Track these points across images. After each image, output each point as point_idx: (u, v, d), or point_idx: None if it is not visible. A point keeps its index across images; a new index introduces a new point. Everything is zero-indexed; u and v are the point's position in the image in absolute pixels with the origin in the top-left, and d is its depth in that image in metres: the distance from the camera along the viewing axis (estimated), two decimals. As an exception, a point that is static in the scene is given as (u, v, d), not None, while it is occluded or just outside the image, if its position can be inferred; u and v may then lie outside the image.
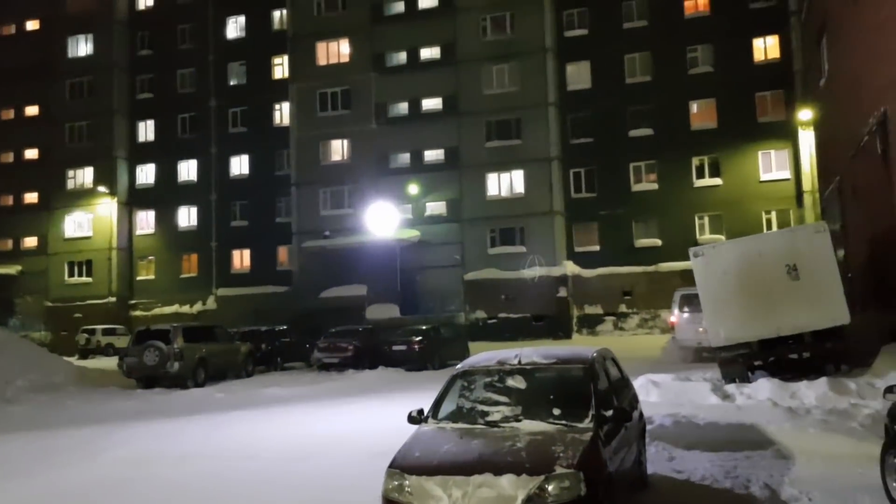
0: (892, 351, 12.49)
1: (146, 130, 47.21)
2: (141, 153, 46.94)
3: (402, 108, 40.14)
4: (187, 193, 45.68)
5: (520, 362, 7.14)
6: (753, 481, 8.11)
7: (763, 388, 12.20)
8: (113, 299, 45.56)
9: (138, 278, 46.66)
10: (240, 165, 45.21)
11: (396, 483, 5.83)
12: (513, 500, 5.39)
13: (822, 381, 12.04)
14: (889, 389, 6.87)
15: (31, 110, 48.38)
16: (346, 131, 40.82)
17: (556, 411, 6.45)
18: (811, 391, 11.71)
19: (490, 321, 36.78)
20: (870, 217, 15.47)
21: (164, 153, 46.14)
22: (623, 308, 36.78)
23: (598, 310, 37.07)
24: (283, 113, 44.14)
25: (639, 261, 36.33)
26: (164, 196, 45.87)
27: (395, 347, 24.38)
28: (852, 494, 7.34)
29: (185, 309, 44.05)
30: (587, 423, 6.25)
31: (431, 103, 39.57)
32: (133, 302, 46.15)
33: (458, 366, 7.60)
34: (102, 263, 46.11)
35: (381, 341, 25.50)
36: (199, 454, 10.52)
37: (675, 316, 21.89)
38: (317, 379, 22.07)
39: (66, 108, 46.96)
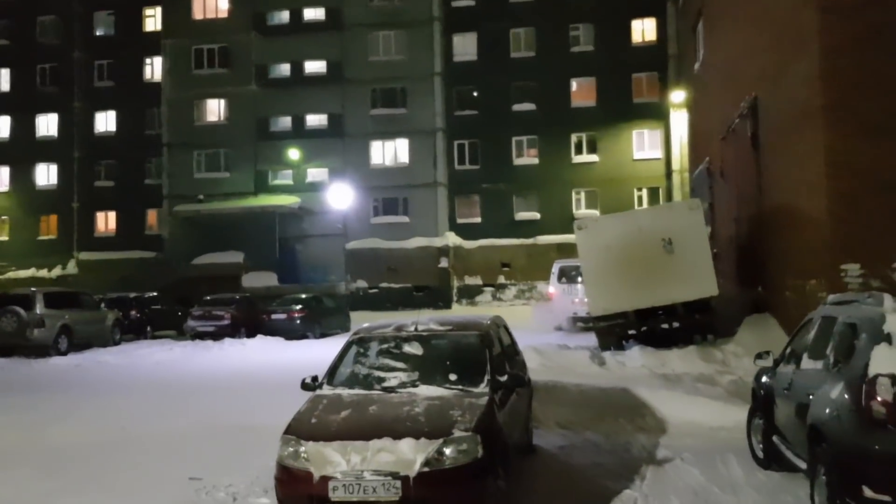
0: (753, 322, 13.42)
1: (0, 80, 43.52)
2: (-6, 104, 43.28)
3: (284, 70, 38.92)
4: (47, 150, 42.54)
5: (416, 329, 7.14)
6: (631, 442, 8.54)
7: (637, 357, 12.82)
8: (-40, 261, 42.09)
9: (-10, 239, 43.28)
10: (106, 122, 42.49)
11: (292, 449, 5.71)
12: (412, 463, 5.40)
13: (692, 350, 12.80)
14: (758, 355, 7.35)
15: None
16: (224, 91, 39.17)
17: (453, 377, 6.50)
18: (681, 359, 12.41)
19: (371, 291, 36.67)
20: (736, 197, 16.48)
21: (21, 105, 42.63)
22: (502, 279, 37.57)
23: (477, 281, 37.69)
24: (154, 68, 41.77)
25: (518, 233, 37.16)
26: (21, 152, 42.46)
27: (275, 316, 23.89)
28: (721, 454, 7.84)
29: (43, 273, 41.24)
30: (483, 388, 6.34)
31: (315, 67, 38.59)
32: (-16, 265, 42.80)
33: (354, 332, 7.52)
34: (-52, 222, 42.45)
35: (259, 310, 24.90)
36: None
37: (553, 287, 22.59)
38: (191, 348, 21.30)
39: None
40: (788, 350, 6.98)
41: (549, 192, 37.29)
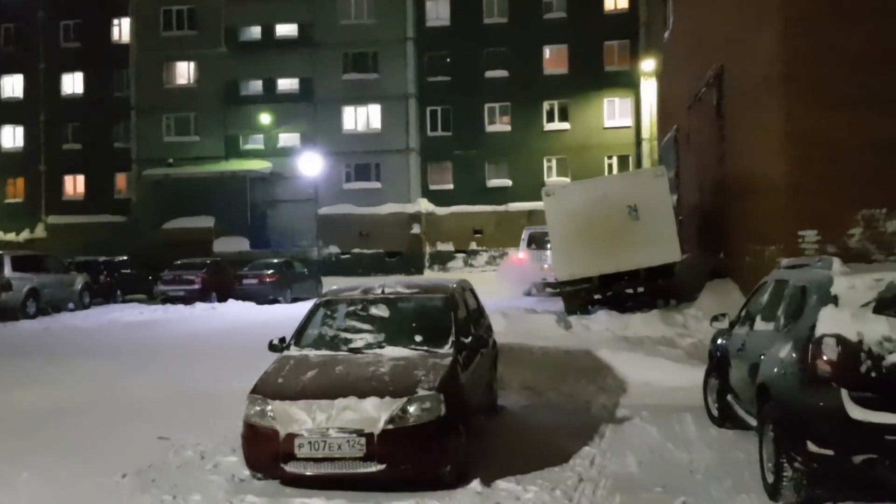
0: (713, 287, 13.74)
1: (-39, 39, 42.44)
2: (-45, 64, 42.16)
3: (255, 32, 38.40)
4: (12, 111, 41.69)
5: (383, 292, 7.27)
6: (592, 403, 8.80)
7: (601, 320, 13.11)
8: (-77, 224, 41.31)
9: (-46, 202, 42.48)
10: (73, 84, 41.67)
11: (258, 408, 5.85)
12: (376, 421, 5.56)
13: (654, 314, 13.11)
14: (714, 318, 7.60)
15: None
16: (193, 54, 38.57)
17: (418, 338, 6.66)
18: (643, 322, 12.72)
19: (343, 257, 36.71)
20: (701, 165, 16.74)
21: (-15, 65, 41.70)
22: (473, 245, 37.81)
23: (449, 247, 37.91)
24: (122, 29, 40.96)
25: (490, 200, 37.33)
26: (-15, 113, 41.63)
27: (246, 281, 23.88)
28: (678, 413, 8.13)
29: (11, 237, 40.69)
30: (447, 350, 6.50)
31: (286, 30, 38.09)
32: (-51, 228, 42.04)
33: (321, 294, 7.63)
34: None
35: (230, 275, 24.86)
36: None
37: (523, 252, 22.84)
38: (161, 312, 21.27)
39: None
40: (743, 312, 7.23)
41: (521, 159, 37.41)
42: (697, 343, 11.31)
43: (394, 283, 7.48)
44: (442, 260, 37.64)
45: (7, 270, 19.72)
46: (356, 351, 6.58)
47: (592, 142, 37.12)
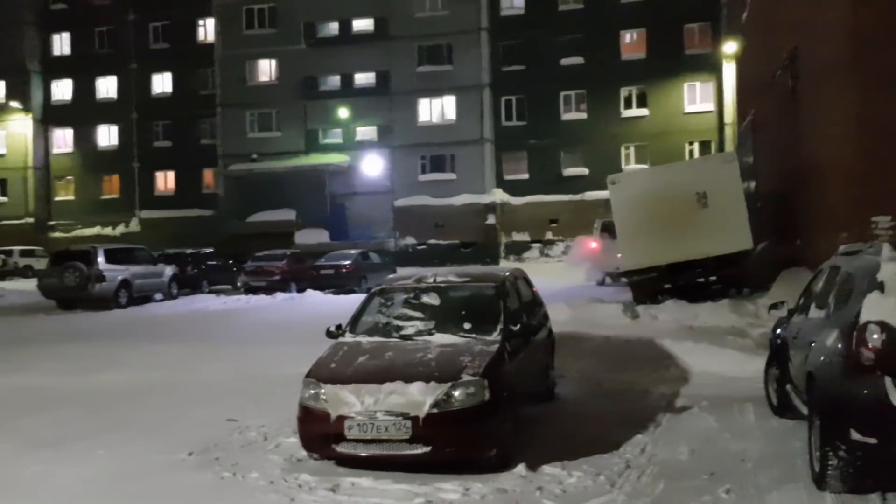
0: (787, 276, 13.34)
1: (61, 43, 44.86)
2: (56, 68, 44.67)
3: (332, 28, 39.19)
4: (107, 111, 43.91)
5: (435, 280, 7.44)
6: (651, 392, 8.75)
7: (669, 310, 12.93)
8: (30, 220, 44.03)
9: (57, 199, 45.11)
10: (162, 83, 43.58)
11: (312, 391, 6.12)
12: (421, 404, 5.74)
13: (724, 303, 12.84)
14: (773, 306, 7.46)
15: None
16: (274, 51, 39.68)
17: (467, 325, 6.79)
18: (713, 312, 12.47)
19: (420, 247, 37.15)
20: (776, 150, 16.22)
21: (81, 68, 43.99)
22: (549, 235, 37.61)
23: (525, 237, 37.83)
24: (207, 29, 42.51)
25: (565, 189, 37.02)
26: (83, 113, 43.95)
27: (323, 272, 24.55)
28: (739, 403, 8.00)
29: (108, 231, 42.93)
30: (495, 337, 6.61)
31: (362, 24, 38.71)
32: (52, 223, 44.68)
33: (377, 284, 7.87)
34: (18, 183, 44.34)
35: (309, 265, 25.60)
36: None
37: (596, 242, 22.64)
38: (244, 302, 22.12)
39: (-29, 16, 44.04)
40: (801, 300, 7.07)
41: (598, 147, 36.90)
42: (768, 333, 11.02)
43: (446, 273, 7.65)
44: (517, 250, 37.61)
45: (101, 263, 20.90)
46: (407, 338, 6.76)
47: (672, 128, 36.28)
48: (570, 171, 37.56)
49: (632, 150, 37.03)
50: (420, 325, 6.91)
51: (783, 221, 15.61)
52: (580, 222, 35.48)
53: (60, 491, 5.71)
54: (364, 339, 6.89)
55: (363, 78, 38.82)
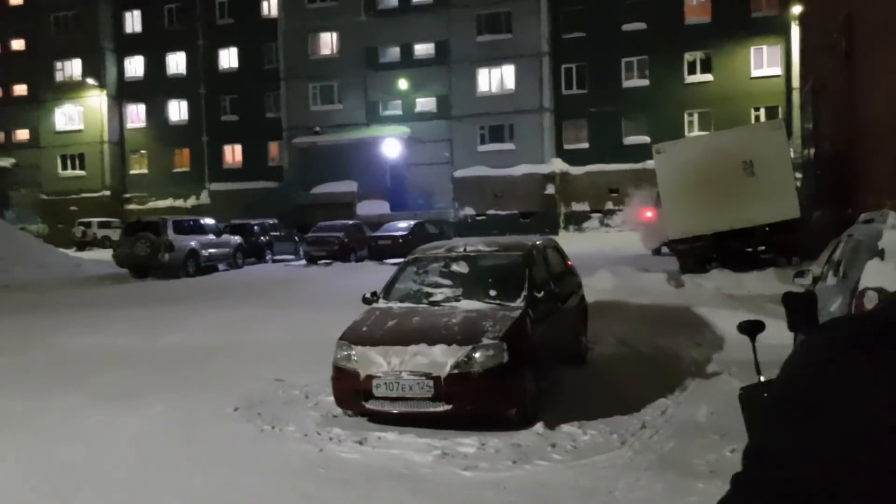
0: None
1: (133, 21, 46.39)
2: (129, 45, 46.27)
3: (392, -1, 39.46)
4: (177, 87, 45.36)
5: (465, 250, 7.80)
6: (683, 357, 8.93)
7: (714, 278, 12.96)
8: (107, 193, 46.05)
9: (131, 172, 47.00)
10: (229, 58, 44.72)
11: (345, 353, 6.59)
12: (443, 365, 6.15)
13: (770, 272, 12.80)
14: (797, 274, 7.54)
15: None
16: (335, 24, 40.20)
17: (493, 292, 7.15)
18: (758, 281, 12.47)
19: (479, 218, 37.42)
20: (835, 116, 15.84)
21: (152, 45, 45.46)
22: (610, 205, 37.36)
23: (584, 207, 37.70)
24: (271, 3, 43.30)
25: (627, 158, 36.62)
26: (154, 89, 45.51)
27: (381, 242, 25.15)
28: (768, 369, 8.11)
29: (180, 203, 44.61)
30: (518, 303, 6.95)
31: (422, -6, 38.88)
32: (127, 195, 46.67)
33: (411, 253, 8.28)
34: (95, 157, 46.34)
35: (368, 236, 26.25)
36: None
37: (652, 211, 22.49)
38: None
39: (49, -4, 45.97)
40: (825, 268, 7.15)
41: (660, 114, 36.32)
42: (812, 301, 11.02)
43: (477, 242, 7.99)
44: (577, 220, 37.53)
45: (169, 233, 21.94)
46: (435, 304, 7.16)
47: (738, 93, 35.39)
48: (631, 140, 37.11)
49: (695, 116, 36.34)
50: (448, 291, 7.29)
51: (838, 189, 15.32)
52: (642, 191, 35.25)
53: (118, 437, 6.35)
54: (395, 304, 7.31)
55: (423, 48, 39.04)
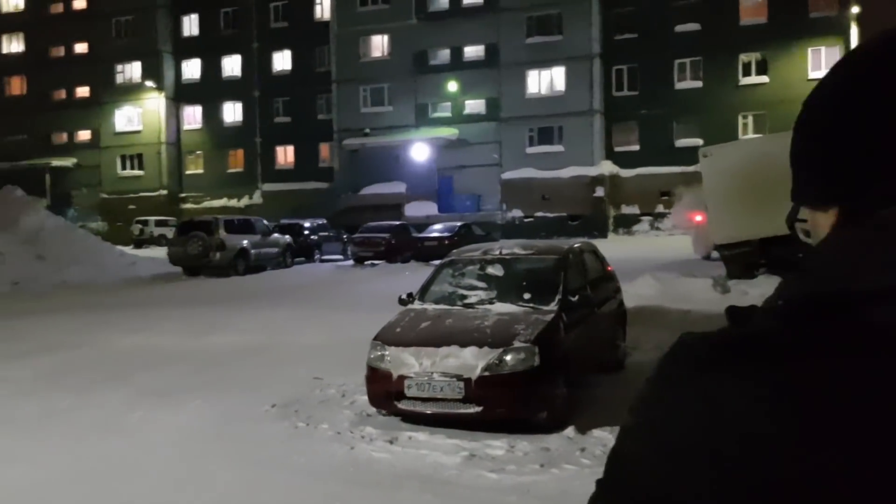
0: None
1: (190, 25, 47.54)
2: (186, 48, 47.45)
3: (443, 2, 39.61)
4: (231, 89, 46.33)
5: (500, 252, 7.81)
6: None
7: (762, 285, 12.63)
8: (164, 192, 47.29)
9: (187, 172, 48.15)
10: (282, 61, 45.48)
11: (378, 353, 6.67)
12: (473, 367, 6.17)
13: (819, 279, 12.43)
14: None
15: (79, 4, 48.96)
16: (386, 27, 40.56)
17: (527, 296, 7.14)
18: (806, 288, 12.12)
19: (526, 220, 37.32)
20: None
21: (208, 48, 46.55)
22: (660, 208, 36.83)
23: (634, 210, 37.26)
24: (323, 7, 43.91)
25: (678, 161, 35.96)
26: (210, 91, 46.59)
27: (427, 243, 25.29)
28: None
29: (233, 203, 45.53)
30: (552, 307, 6.92)
31: (472, -3, 38.97)
32: (183, 195, 47.83)
33: (447, 255, 8.32)
34: (153, 157, 47.62)
35: (413, 237, 26.41)
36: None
37: (702, 216, 22.11)
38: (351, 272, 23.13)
39: (112, 0, 47.32)
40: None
41: (713, 116, 35.69)
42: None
43: (512, 245, 8.00)
44: (626, 223, 37.13)
45: (221, 232, 22.42)
46: (469, 306, 7.18)
47: (794, 95, 33.92)
48: (683, 142, 36.53)
49: (750, 119, 35.62)
50: (483, 294, 7.32)
51: None
52: (691, 194, 34.64)
53: (155, 432, 6.54)
54: (430, 306, 7.36)
55: (472, 51, 39.11)
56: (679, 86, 36.88)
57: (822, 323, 0.58)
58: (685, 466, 0.57)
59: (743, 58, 35.88)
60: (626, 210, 37.27)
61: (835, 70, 0.69)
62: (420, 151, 36.44)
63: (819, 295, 0.61)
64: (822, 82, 0.70)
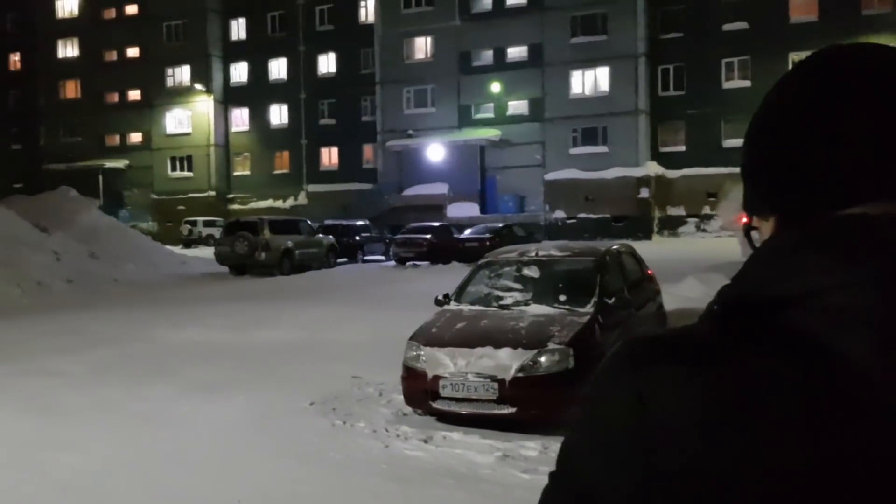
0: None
1: (238, 28, 48.40)
2: (234, 51, 48.35)
3: (486, 3, 39.63)
4: (278, 91, 47.05)
5: (537, 254, 7.85)
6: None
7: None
8: (213, 193, 48.24)
9: (235, 174, 49.04)
10: (327, 64, 46.02)
11: (414, 353, 6.77)
12: (508, 369, 6.23)
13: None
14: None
15: (131, 9, 50.24)
16: (430, 28, 40.76)
17: (563, 297, 7.17)
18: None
19: (569, 221, 37.12)
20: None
21: (256, 51, 47.35)
22: (707, 210, 36.33)
23: (680, 211, 36.80)
24: (368, 10, 44.32)
25: (726, 162, 35.46)
26: (257, 94, 47.39)
27: (468, 244, 25.33)
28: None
29: (279, 204, 46.24)
30: (587, 309, 6.94)
31: (516, -3, 38.94)
32: (231, 196, 48.73)
33: (484, 256, 8.39)
34: (202, 159, 48.62)
35: (455, 238, 26.50)
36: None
37: (747, 217, 21.77)
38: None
39: (163, 5, 48.47)
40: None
41: (762, 116, 34.94)
42: None
43: (549, 246, 8.02)
44: (672, 225, 36.69)
45: (266, 233, 22.83)
46: (505, 307, 7.24)
47: (846, 94, 33.68)
48: (731, 143, 35.94)
49: (799, 118, 34.84)
50: (518, 295, 7.37)
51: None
52: (738, 195, 34.00)
53: (201, 425, 6.75)
54: (466, 307, 7.44)
55: (516, 52, 39.07)
56: (727, 85, 36.31)
57: (743, 325, 0.64)
58: (617, 458, 0.64)
59: (793, 56, 35.06)
60: (672, 211, 36.82)
61: (776, 85, 0.75)
62: (435, 152, 36.55)
63: (744, 298, 0.67)
64: (765, 97, 0.75)
